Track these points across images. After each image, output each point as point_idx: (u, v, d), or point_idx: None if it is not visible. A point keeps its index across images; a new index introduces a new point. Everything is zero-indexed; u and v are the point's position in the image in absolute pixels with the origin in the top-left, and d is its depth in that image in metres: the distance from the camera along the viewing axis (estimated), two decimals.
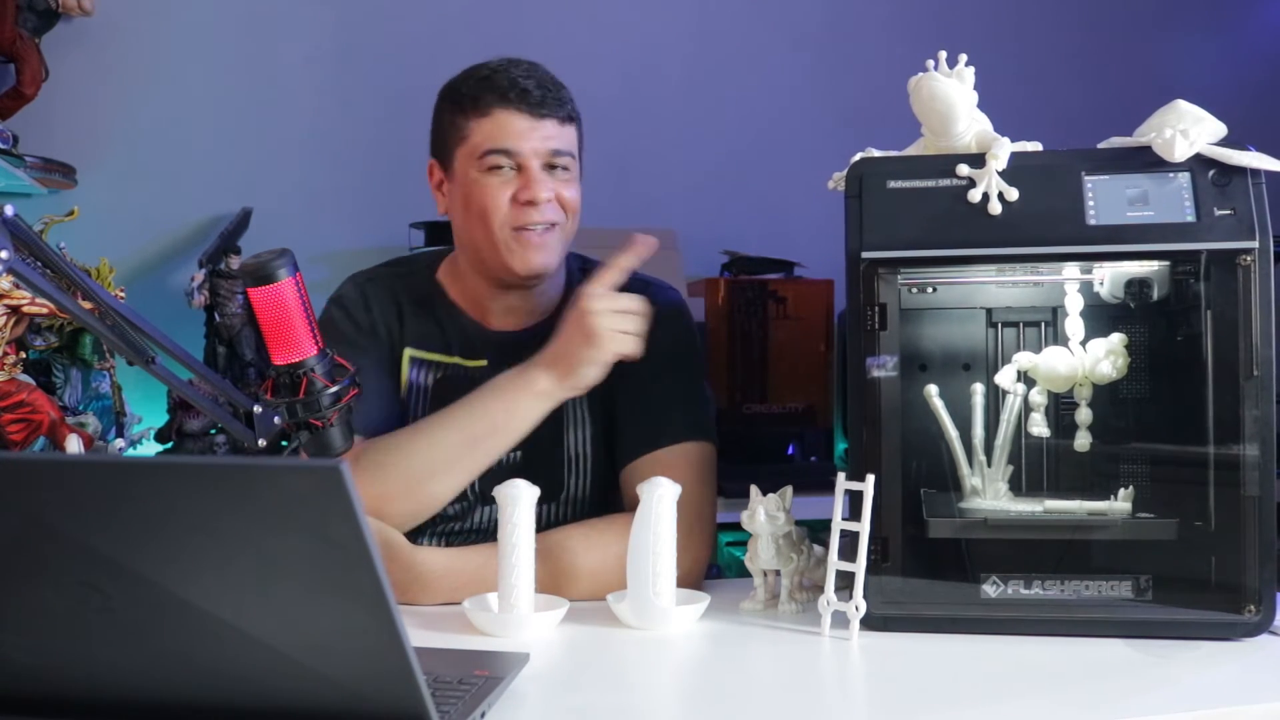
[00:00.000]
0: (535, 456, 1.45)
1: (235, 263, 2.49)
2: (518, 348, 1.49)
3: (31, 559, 0.77)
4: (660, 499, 1.22)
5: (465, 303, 1.52)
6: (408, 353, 1.50)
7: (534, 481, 1.24)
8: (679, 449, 1.43)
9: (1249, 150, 1.16)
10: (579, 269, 1.56)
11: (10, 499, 0.75)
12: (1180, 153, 1.17)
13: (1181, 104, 1.20)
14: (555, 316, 1.51)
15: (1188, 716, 0.95)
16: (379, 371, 1.48)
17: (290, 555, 0.74)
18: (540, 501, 1.31)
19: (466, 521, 1.48)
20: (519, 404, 1.36)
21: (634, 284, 1.54)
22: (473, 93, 1.43)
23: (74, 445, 1.94)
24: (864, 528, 1.16)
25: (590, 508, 1.48)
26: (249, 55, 2.80)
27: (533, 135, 1.41)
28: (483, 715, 0.89)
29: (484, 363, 1.50)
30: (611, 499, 1.49)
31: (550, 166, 1.43)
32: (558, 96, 1.44)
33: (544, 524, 1.39)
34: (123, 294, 2.31)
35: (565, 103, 1.45)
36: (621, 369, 1.49)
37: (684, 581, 1.29)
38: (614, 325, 1.34)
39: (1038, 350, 1.30)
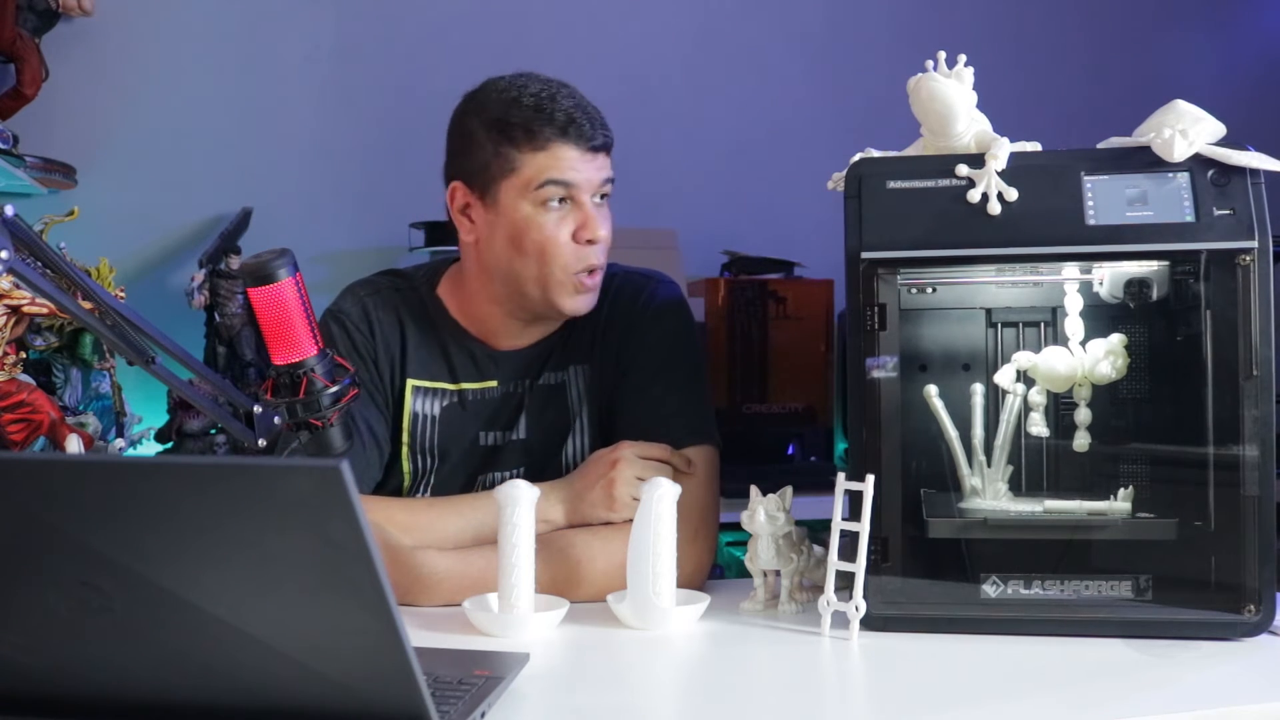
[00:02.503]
0: (536, 467, 1.45)
1: (235, 263, 2.49)
2: (526, 365, 1.49)
3: (31, 559, 0.77)
4: (660, 499, 1.22)
5: (470, 323, 1.50)
6: (410, 384, 1.48)
7: None
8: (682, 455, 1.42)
9: (1248, 150, 1.16)
10: None
11: (10, 499, 0.75)
12: (1179, 153, 1.17)
13: (1180, 104, 1.20)
14: (562, 328, 1.50)
15: (1188, 716, 0.95)
16: (367, 401, 1.45)
17: (290, 555, 0.74)
18: None
19: None
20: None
21: (633, 278, 1.54)
22: (525, 124, 1.39)
23: (74, 445, 1.94)
24: (864, 528, 1.16)
25: None
26: (249, 55, 2.80)
27: (587, 168, 1.39)
28: (483, 715, 0.89)
29: (494, 383, 1.49)
30: None
31: (600, 198, 1.42)
32: (603, 125, 1.42)
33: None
34: (123, 294, 2.31)
35: (608, 130, 1.43)
36: (621, 371, 1.49)
37: (687, 585, 1.29)
38: (633, 494, 1.33)
39: (1037, 350, 1.30)
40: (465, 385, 1.49)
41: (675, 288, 1.55)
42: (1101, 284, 1.31)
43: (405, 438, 1.48)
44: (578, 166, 1.39)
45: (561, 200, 1.40)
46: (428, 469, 1.48)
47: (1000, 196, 1.18)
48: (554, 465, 1.47)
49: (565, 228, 1.40)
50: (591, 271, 1.42)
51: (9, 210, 0.96)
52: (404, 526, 1.34)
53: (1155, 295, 1.29)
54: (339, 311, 1.50)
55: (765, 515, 1.26)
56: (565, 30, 2.96)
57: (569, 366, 1.50)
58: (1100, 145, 1.24)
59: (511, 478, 1.42)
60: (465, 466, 1.48)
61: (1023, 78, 3.13)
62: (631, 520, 1.30)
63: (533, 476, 1.39)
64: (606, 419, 1.49)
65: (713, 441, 1.46)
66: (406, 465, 1.49)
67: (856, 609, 1.16)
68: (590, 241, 1.40)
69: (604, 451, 1.40)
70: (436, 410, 1.48)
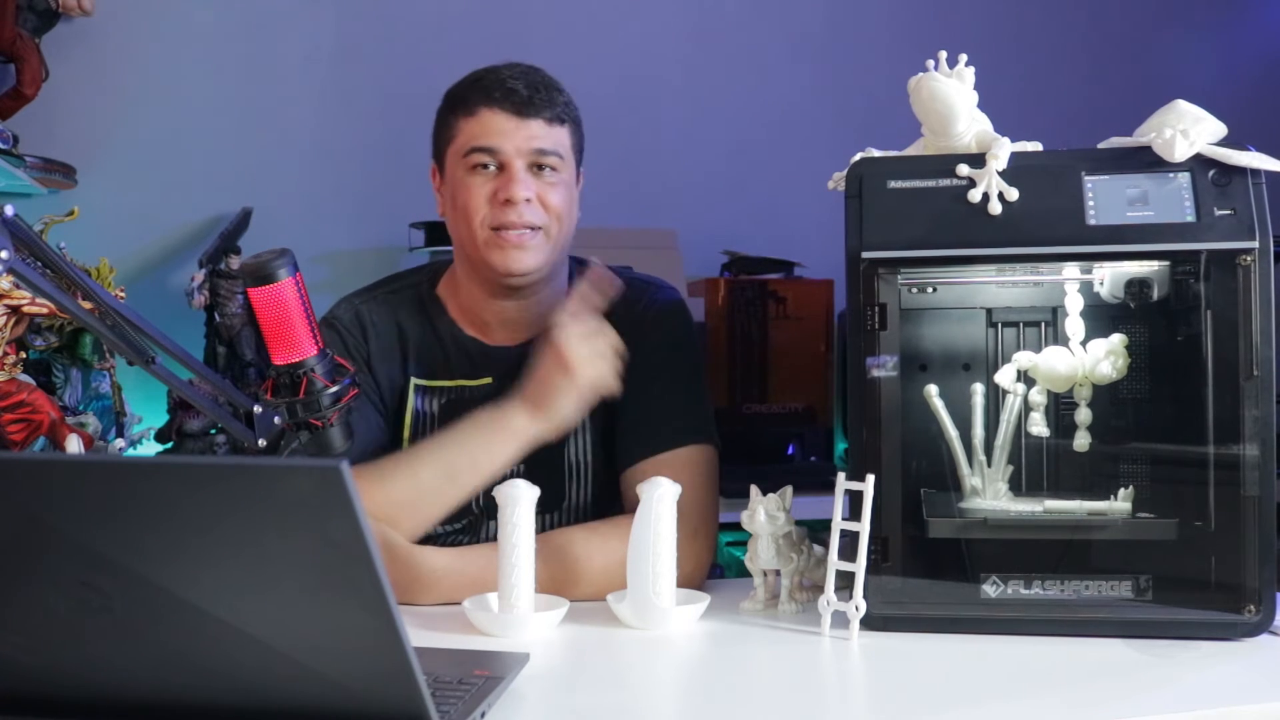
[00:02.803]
0: (537, 466, 1.44)
1: (235, 263, 2.49)
2: (520, 362, 1.49)
3: (31, 559, 0.77)
4: (660, 499, 1.22)
5: (465, 319, 1.51)
6: (413, 382, 1.49)
7: None
8: (681, 453, 1.42)
9: (1249, 150, 1.16)
10: (578, 273, 1.54)
11: (10, 499, 0.75)
12: (1180, 153, 1.17)
13: (1181, 104, 1.20)
14: None
15: (1188, 716, 0.95)
16: (363, 403, 1.45)
17: (290, 555, 0.74)
18: (542, 511, 1.31)
19: (474, 536, 1.47)
20: (494, 442, 1.34)
21: (634, 284, 1.54)
22: (463, 93, 1.43)
23: (74, 445, 1.94)
24: (864, 528, 1.16)
25: (592, 515, 1.47)
26: (249, 55, 2.80)
27: (516, 134, 1.40)
28: (483, 715, 0.89)
29: (488, 380, 1.49)
30: (613, 505, 1.47)
31: (537, 167, 1.42)
32: (548, 97, 1.42)
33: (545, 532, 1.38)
34: (123, 294, 2.31)
35: (556, 104, 1.43)
36: (620, 373, 1.49)
37: (686, 584, 1.29)
38: (586, 351, 1.32)
39: (1038, 350, 1.30)
40: (461, 382, 1.50)
41: (675, 292, 1.56)
42: (1102, 284, 1.31)
43: (407, 434, 1.49)
44: (504, 131, 1.40)
45: (491, 165, 1.41)
46: None
47: (1001, 196, 1.18)
48: (555, 464, 1.47)
49: (487, 188, 1.41)
50: (528, 229, 1.40)
51: (9, 210, 0.96)
52: (381, 505, 1.32)
53: (1156, 295, 1.29)
54: (331, 317, 1.51)
55: (765, 515, 1.26)
56: (565, 30, 2.96)
57: None
58: (1100, 145, 1.24)
59: (511, 477, 1.42)
60: None
61: (1023, 78, 3.13)
62: (593, 392, 1.32)
63: (532, 476, 1.39)
64: (606, 418, 1.49)
65: (712, 441, 1.47)
66: None
67: (856, 609, 1.16)
68: (507, 202, 1.39)
69: (540, 345, 1.38)
70: (436, 409, 1.49)
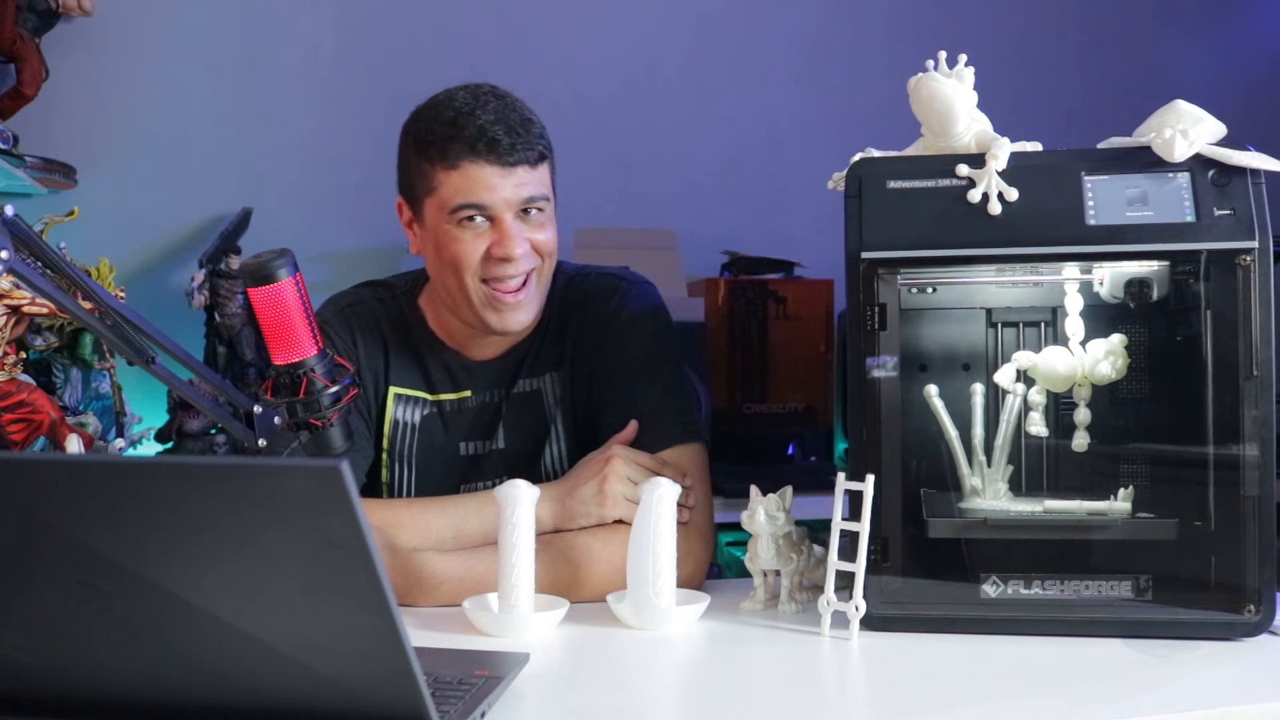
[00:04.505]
0: (513, 473, 1.43)
1: (235, 263, 2.49)
2: (500, 374, 1.49)
3: (31, 559, 0.77)
4: (660, 499, 1.22)
5: (445, 335, 1.50)
6: (392, 391, 1.49)
7: None
8: (669, 454, 1.42)
9: (1249, 150, 1.16)
10: (560, 274, 1.53)
11: (10, 499, 0.75)
12: (1180, 153, 1.17)
13: (1181, 104, 1.20)
14: (535, 335, 1.50)
15: (1188, 716, 0.95)
16: (355, 415, 1.44)
17: (290, 555, 0.74)
18: None
19: None
20: None
21: (606, 278, 1.53)
22: (440, 142, 1.37)
23: (74, 445, 1.94)
24: (864, 528, 1.16)
25: None
26: (249, 55, 2.80)
27: (504, 186, 1.36)
28: (483, 715, 0.89)
29: (468, 393, 1.49)
30: None
31: (524, 211, 1.39)
32: (526, 138, 1.37)
33: None
34: (123, 294, 2.31)
35: (533, 142, 1.38)
36: (598, 376, 1.48)
37: (686, 584, 1.29)
38: (629, 492, 1.33)
39: (1037, 350, 1.30)
40: (442, 396, 1.49)
41: (646, 286, 1.54)
42: (1102, 284, 1.31)
43: (385, 444, 1.48)
44: (491, 184, 1.36)
45: (480, 218, 1.38)
46: (406, 479, 1.49)
47: (1000, 196, 1.18)
48: (534, 473, 1.47)
49: (480, 244, 1.38)
50: (515, 282, 1.39)
51: (9, 210, 0.96)
52: (381, 523, 1.32)
53: (1155, 295, 1.29)
54: (321, 321, 1.49)
55: (765, 515, 1.26)
56: (565, 31, 2.96)
57: (545, 373, 1.50)
58: (1100, 145, 1.24)
59: (487, 484, 1.42)
60: (448, 478, 1.48)
61: (1023, 78, 3.13)
62: (622, 519, 1.30)
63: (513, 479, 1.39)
64: (583, 424, 1.48)
65: (701, 439, 1.46)
66: (384, 475, 1.49)
67: (856, 609, 1.16)
68: (503, 259, 1.37)
69: (595, 453, 1.40)
70: (417, 419, 1.49)
